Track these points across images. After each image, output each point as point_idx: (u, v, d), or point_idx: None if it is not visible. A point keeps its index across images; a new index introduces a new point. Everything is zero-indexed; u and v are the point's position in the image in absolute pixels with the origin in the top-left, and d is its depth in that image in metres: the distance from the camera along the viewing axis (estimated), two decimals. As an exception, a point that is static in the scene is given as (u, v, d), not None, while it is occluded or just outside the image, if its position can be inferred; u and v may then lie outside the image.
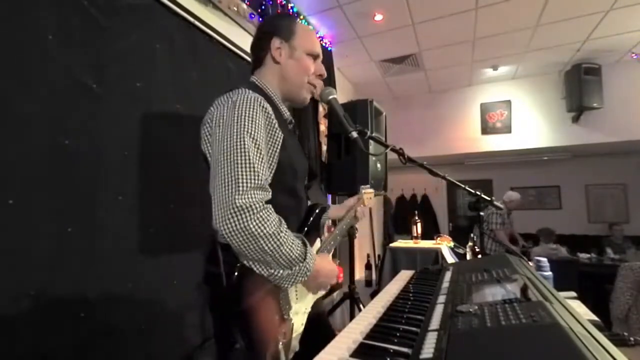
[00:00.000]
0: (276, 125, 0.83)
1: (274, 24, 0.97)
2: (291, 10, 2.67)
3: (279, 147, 0.83)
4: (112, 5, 1.33)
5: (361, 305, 2.29)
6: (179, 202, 1.54)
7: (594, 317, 0.92)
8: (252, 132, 0.75)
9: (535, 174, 5.57)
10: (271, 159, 0.82)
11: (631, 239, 4.49)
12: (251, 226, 0.68)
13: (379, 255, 4.10)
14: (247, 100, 0.78)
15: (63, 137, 1.14)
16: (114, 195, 1.29)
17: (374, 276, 3.75)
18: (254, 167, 0.72)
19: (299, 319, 0.86)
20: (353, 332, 0.63)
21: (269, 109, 0.82)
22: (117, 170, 1.31)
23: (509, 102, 4.50)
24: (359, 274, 3.89)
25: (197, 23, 1.78)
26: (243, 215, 0.68)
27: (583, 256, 4.02)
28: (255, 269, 0.74)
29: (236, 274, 0.75)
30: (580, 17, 3.02)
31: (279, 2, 2.47)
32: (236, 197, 0.69)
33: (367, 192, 1.27)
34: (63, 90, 1.15)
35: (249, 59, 2.18)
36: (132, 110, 1.40)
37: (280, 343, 0.76)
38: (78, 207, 1.17)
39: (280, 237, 0.73)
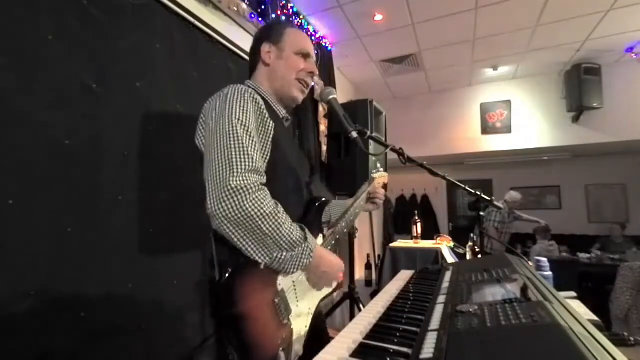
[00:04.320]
0: (267, 115, 0.84)
1: (264, 31, 1.02)
2: (291, 10, 2.66)
3: (271, 135, 0.84)
4: (112, 5, 1.33)
5: (361, 305, 2.29)
6: (179, 202, 1.54)
7: (594, 317, 0.91)
8: (243, 120, 0.77)
9: (535, 174, 5.58)
10: (264, 147, 0.83)
11: (631, 239, 4.49)
12: (247, 206, 0.68)
13: (379, 255, 4.10)
14: (238, 91, 0.81)
15: (63, 137, 1.14)
16: (114, 195, 1.29)
17: (374, 276, 3.76)
18: (247, 151, 0.73)
19: (301, 322, 0.84)
20: (353, 332, 0.63)
21: (260, 100, 0.85)
22: (117, 170, 1.31)
23: (509, 102, 4.50)
24: (359, 274, 3.89)
25: (197, 23, 1.78)
26: (238, 196, 0.68)
27: (583, 256, 4.03)
28: (255, 256, 0.72)
29: (227, 276, 0.72)
30: (580, 17, 3.02)
31: (278, 2, 2.47)
32: (230, 178, 0.69)
33: (379, 175, 1.25)
34: (63, 90, 1.15)
35: (248, 59, 2.19)
36: (132, 110, 1.40)
37: (280, 349, 0.74)
38: (78, 207, 1.16)
39: (279, 217, 0.72)
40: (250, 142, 0.76)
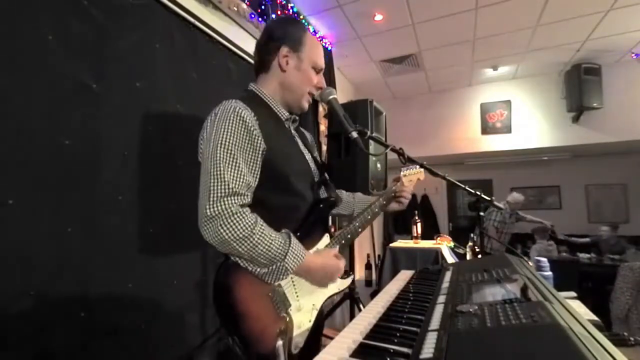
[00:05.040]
0: (255, 133, 0.84)
1: (285, 31, 0.98)
2: (291, 10, 2.66)
3: (260, 153, 0.85)
4: (112, 5, 1.33)
5: (361, 305, 2.29)
6: (179, 202, 1.54)
7: (594, 317, 0.91)
8: (226, 143, 0.79)
9: (535, 174, 5.58)
10: (254, 164, 0.85)
11: (631, 239, 4.49)
12: (222, 232, 0.74)
13: (379, 255, 4.10)
14: (225, 112, 0.83)
15: (63, 137, 1.14)
16: (114, 195, 1.29)
17: (374, 276, 3.76)
18: (223, 178, 0.77)
19: (303, 316, 0.87)
20: (353, 332, 0.63)
21: (248, 117, 0.83)
22: (117, 170, 1.31)
23: (509, 102, 4.50)
24: (359, 274, 3.89)
25: (197, 23, 1.78)
26: (213, 224, 0.75)
27: (583, 256, 4.03)
28: (241, 264, 0.80)
29: (222, 270, 0.82)
30: (580, 17, 3.02)
31: (278, 2, 2.47)
32: (207, 207, 0.75)
33: (409, 173, 1.23)
34: (63, 90, 1.15)
35: (249, 59, 2.18)
36: (132, 110, 1.40)
37: (279, 340, 0.77)
38: (78, 207, 1.16)
39: (254, 239, 0.76)
40: (230, 165, 0.78)
